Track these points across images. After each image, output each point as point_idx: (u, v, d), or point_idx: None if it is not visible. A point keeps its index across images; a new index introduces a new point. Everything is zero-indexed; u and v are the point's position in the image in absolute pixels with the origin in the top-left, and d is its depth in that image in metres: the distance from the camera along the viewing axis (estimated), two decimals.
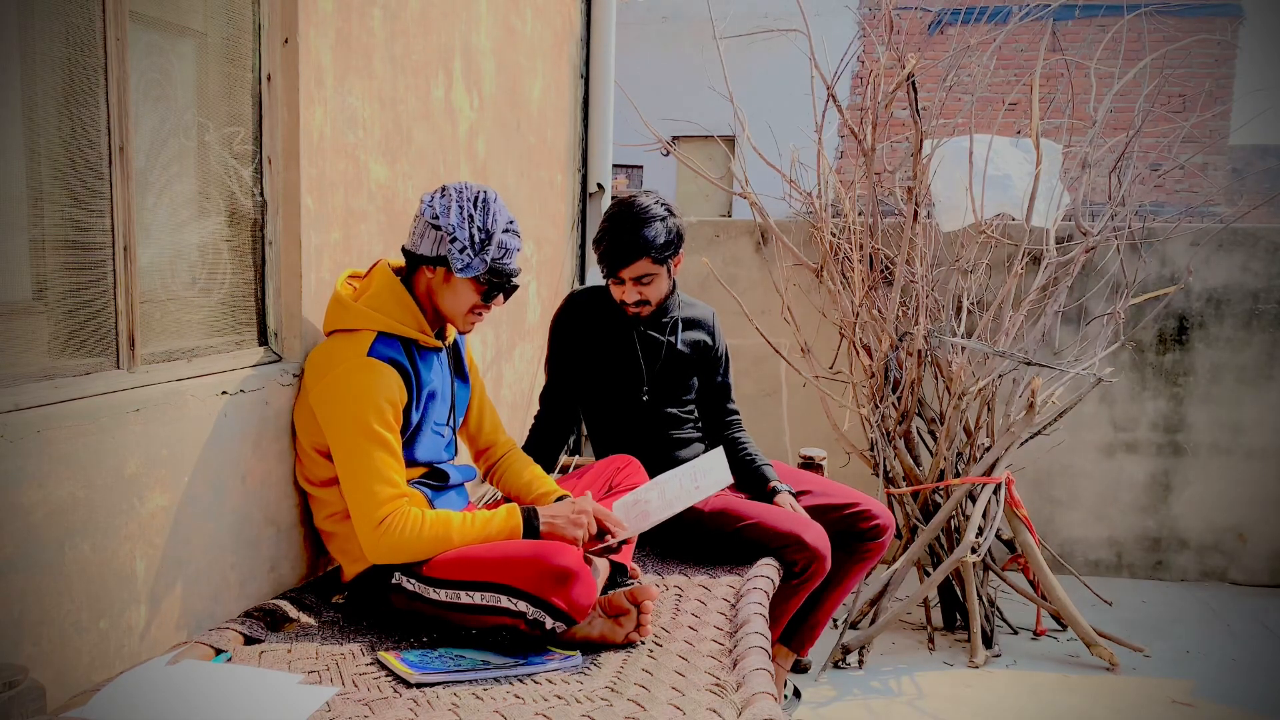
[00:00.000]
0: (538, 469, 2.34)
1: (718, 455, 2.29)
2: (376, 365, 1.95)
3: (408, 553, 1.93)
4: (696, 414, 2.75)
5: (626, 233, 2.45)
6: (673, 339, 2.65)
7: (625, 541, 2.14)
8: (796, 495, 2.62)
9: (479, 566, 1.90)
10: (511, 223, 2.07)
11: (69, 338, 1.67)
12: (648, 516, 2.17)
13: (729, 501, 2.51)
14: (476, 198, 2.04)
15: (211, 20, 1.97)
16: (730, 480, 2.23)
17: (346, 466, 1.93)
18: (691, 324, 2.70)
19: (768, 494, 2.60)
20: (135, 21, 1.73)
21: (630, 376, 2.63)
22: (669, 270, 2.55)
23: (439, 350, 2.14)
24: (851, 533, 2.61)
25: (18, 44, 1.56)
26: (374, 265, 2.10)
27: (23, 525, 1.46)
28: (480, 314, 2.11)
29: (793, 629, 2.66)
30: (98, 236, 1.68)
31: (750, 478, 2.67)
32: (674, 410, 2.68)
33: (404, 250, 2.09)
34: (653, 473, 2.48)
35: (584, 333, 2.63)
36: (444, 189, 2.06)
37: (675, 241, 2.51)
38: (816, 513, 2.58)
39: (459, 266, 2.02)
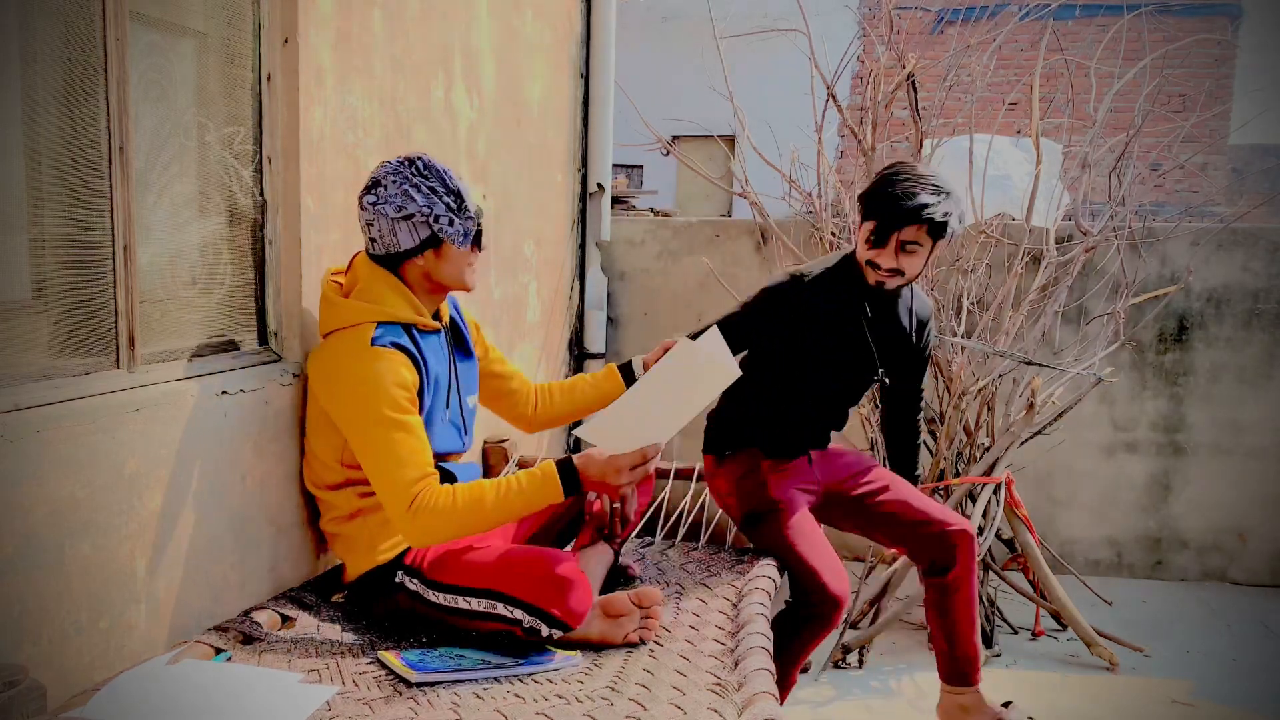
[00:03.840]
0: (582, 377, 2.41)
1: (711, 341, 2.06)
2: (381, 352, 1.92)
3: (446, 528, 1.88)
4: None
5: (916, 197, 2.30)
6: (899, 330, 2.54)
7: (628, 528, 2.13)
8: (865, 494, 2.58)
9: (478, 571, 1.90)
10: (447, 168, 2.04)
11: (69, 337, 1.67)
12: (646, 435, 1.94)
13: (787, 507, 2.43)
14: (420, 169, 1.99)
15: (211, 20, 1.96)
16: (737, 373, 2.00)
17: (369, 459, 1.90)
18: (914, 315, 2.57)
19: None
20: (135, 21, 1.73)
21: (836, 356, 2.50)
22: (932, 253, 2.40)
23: (437, 332, 2.09)
24: (926, 556, 2.52)
25: (18, 44, 1.56)
26: (353, 258, 2.07)
27: (23, 525, 1.46)
28: (474, 263, 2.09)
29: (947, 667, 2.58)
30: (98, 236, 1.68)
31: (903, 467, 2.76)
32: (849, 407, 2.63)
33: (379, 256, 2.02)
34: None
35: (813, 305, 2.45)
36: (376, 182, 1.98)
37: (954, 227, 2.36)
38: (892, 519, 2.53)
39: (460, 239, 2.00)
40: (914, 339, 2.58)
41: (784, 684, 2.41)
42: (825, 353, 2.47)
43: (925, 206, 2.30)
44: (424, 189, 1.97)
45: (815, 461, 2.57)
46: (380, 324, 1.96)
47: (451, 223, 1.99)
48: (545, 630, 1.85)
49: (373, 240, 2.01)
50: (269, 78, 2.05)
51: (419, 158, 2.00)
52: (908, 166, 2.40)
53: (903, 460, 2.76)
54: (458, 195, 2.01)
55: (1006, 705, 2.66)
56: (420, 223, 1.98)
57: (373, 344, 1.92)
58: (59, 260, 1.64)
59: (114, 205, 1.69)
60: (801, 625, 2.37)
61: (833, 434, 2.66)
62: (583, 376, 2.42)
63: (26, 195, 1.58)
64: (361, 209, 2.00)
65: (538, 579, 1.85)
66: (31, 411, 1.49)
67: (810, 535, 2.40)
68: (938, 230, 2.33)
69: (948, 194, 2.34)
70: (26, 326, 1.60)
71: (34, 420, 1.48)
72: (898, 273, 2.37)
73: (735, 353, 2.25)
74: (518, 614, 1.86)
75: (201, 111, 1.95)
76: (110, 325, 1.71)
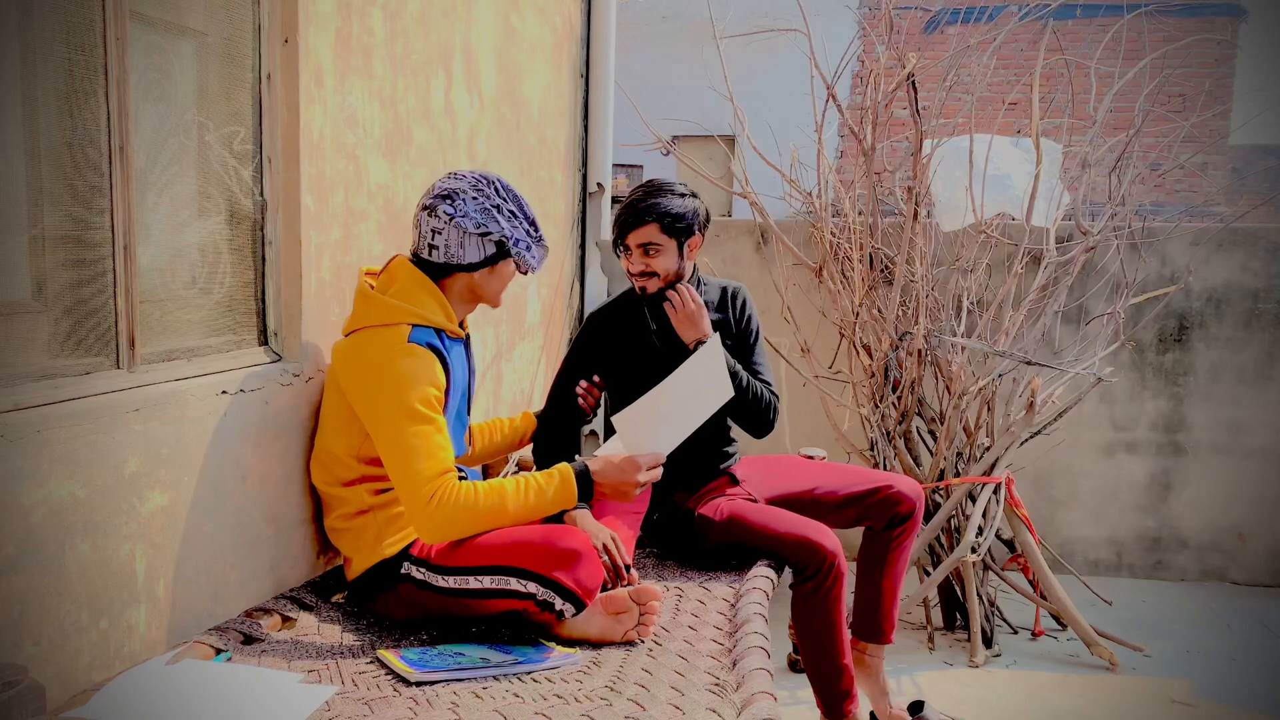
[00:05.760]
0: (500, 420, 2.54)
1: (711, 352, 2.19)
2: (418, 350, 1.95)
3: (464, 524, 1.91)
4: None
5: (640, 200, 2.45)
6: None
7: (629, 571, 2.14)
8: (802, 492, 2.59)
9: (488, 551, 1.91)
10: (519, 193, 2.15)
11: (68, 337, 1.67)
12: (659, 438, 2.12)
13: (736, 508, 2.48)
14: (499, 190, 2.08)
15: (211, 20, 1.97)
16: (731, 392, 2.24)
17: (392, 450, 1.91)
18: (709, 306, 2.59)
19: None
20: (135, 21, 1.74)
21: (650, 374, 2.44)
22: (681, 248, 2.48)
23: (460, 341, 2.14)
24: (884, 517, 2.57)
25: (18, 44, 1.56)
26: (391, 260, 2.10)
27: (23, 525, 1.46)
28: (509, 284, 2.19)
29: (868, 621, 2.63)
30: (98, 236, 1.69)
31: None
32: None
33: (431, 263, 2.06)
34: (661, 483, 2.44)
35: (605, 346, 2.57)
36: (454, 194, 2.03)
37: (689, 219, 2.46)
38: (844, 504, 2.56)
39: (535, 264, 2.13)
40: (732, 325, 2.61)
41: (843, 673, 2.47)
42: (635, 376, 2.49)
43: (645, 205, 2.43)
44: (505, 212, 2.07)
45: (743, 479, 2.62)
46: (415, 325, 1.99)
47: (529, 248, 2.11)
48: (559, 604, 1.87)
49: (433, 247, 2.05)
50: (269, 78, 2.05)
51: (497, 178, 2.09)
52: (653, 180, 2.51)
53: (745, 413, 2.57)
54: (533, 223, 2.12)
55: (919, 706, 2.75)
56: (493, 241, 2.06)
57: (410, 341, 1.96)
58: (59, 260, 1.64)
59: (114, 205, 1.69)
60: (819, 596, 2.38)
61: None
62: (500, 420, 2.54)
63: (26, 195, 1.58)
64: (433, 216, 2.03)
65: (549, 552, 1.87)
66: (31, 411, 1.49)
67: (768, 513, 2.44)
68: (670, 226, 2.43)
69: (681, 195, 2.46)
70: (26, 326, 1.60)
71: (34, 420, 1.48)
72: (650, 274, 2.47)
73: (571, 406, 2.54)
74: (531, 587, 1.87)
75: (201, 111, 1.95)
76: (110, 325, 1.72)
